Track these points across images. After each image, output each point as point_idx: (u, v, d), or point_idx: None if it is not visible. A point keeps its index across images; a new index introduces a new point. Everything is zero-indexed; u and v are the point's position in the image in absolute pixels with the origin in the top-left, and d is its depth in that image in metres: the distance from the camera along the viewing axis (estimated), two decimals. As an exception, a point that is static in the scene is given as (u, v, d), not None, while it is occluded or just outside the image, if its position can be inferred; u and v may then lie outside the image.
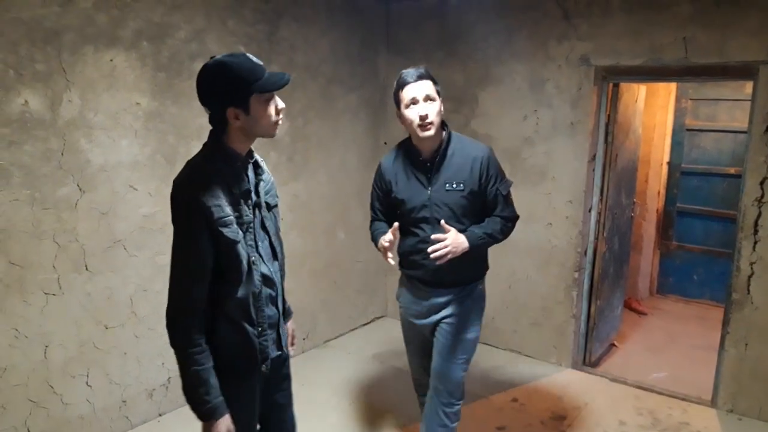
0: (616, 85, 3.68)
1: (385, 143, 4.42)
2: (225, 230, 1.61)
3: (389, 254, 2.22)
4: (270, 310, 1.78)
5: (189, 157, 3.09)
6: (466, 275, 2.42)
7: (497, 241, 2.35)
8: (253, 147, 1.76)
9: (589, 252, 3.83)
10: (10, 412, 2.59)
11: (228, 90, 1.60)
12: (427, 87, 2.19)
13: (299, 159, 3.82)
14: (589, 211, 3.77)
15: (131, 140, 2.91)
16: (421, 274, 2.40)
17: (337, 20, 3.91)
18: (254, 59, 1.65)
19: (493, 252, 4.05)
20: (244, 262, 1.68)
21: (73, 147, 2.67)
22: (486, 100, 3.99)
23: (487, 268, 2.55)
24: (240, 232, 1.67)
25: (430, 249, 2.17)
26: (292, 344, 2.10)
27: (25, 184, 2.53)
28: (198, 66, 3.09)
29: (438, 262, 2.18)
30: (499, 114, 3.94)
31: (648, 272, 5.50)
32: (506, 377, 3.77)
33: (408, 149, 2.35)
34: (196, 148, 3.13)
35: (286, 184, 3.74)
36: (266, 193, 1.80)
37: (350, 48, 4.08)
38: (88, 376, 2.86)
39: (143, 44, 2.88)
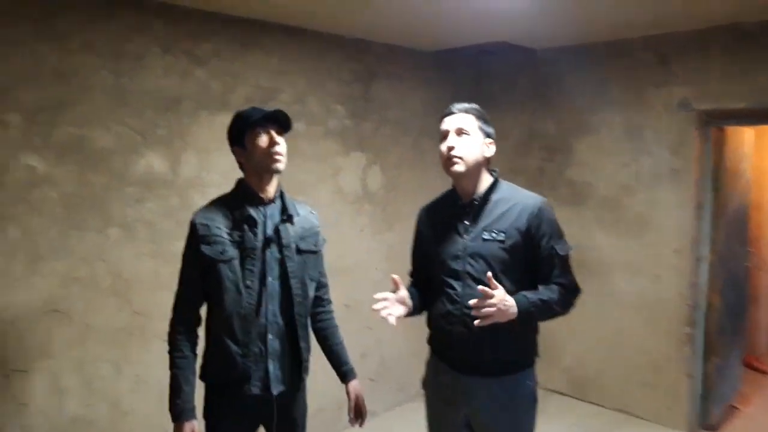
0: (721, 129, 3.51)
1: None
2: (205, 247, 1.82)
3: (384, 304, 1.83)
4: (255, 346, 1.85)
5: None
6: (508, 358, 1.92)
7: (553, 313, 1.88)
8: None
9: (702, 305, 3.59)
10: (128, 456, 2.73)
11: (232, 132, 1.90)
12: (462, 120, 1.92)
13: (392, 210, 3.89)
14: (699, 261, 3.55)
15: None
16: (449, 352, 1.97)
17: (427, 77, 4.04)
18: (259, 107, 1.90)
19: (597, 305, 3.93)
20: (227, 281, 1.82)
21: (189, 203, 2.87)
22: (581, 149, 3.93)
23: (536, 354, 2.02)
24: (231, 252, 1.83)
25: (471, 302, 1.77)
26: (358, 416, 2.08)
27: (147, 238, 2.74)
28: (299, 126, 3.32)
29: (477, 323, 1.75)
30: (596, 162, 3.86)
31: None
32: (614, 439, 3.53)
33: (450, 193, 2.06)
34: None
35: (381, 233, 3.81)
36: (301, 238, 1.94)
37: (440, 103, 4.13)
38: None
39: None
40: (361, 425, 2.11)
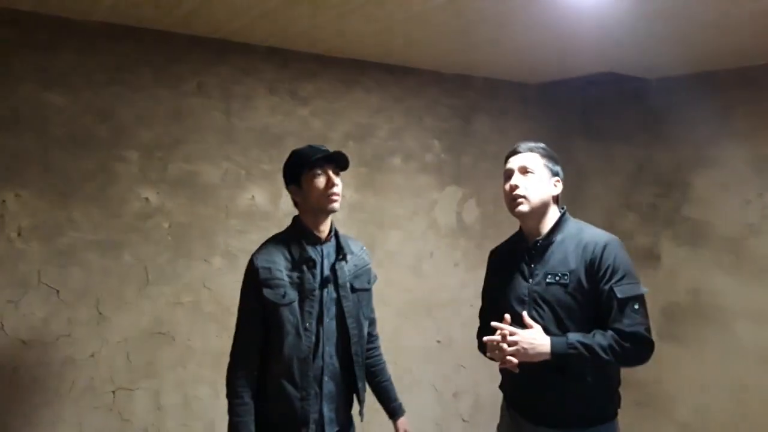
0: None
1: (583, 231, 4.21)
2: (267, 291, 1.81)
3: (502, 345, 1.72)
4: (312, 388, 1.82)
5: (385, 244, 3.28)
6: (580, 410, 1.78)
7: (599, 361, 1.68)
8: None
9: None
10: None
11: (288, 171, 1.94)
12: (527, 158, 1.86)
13: (488, 245, 3.76)
14: (843, 311, 3.13)
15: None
16: (517, 399, 1.91)
17: (530, 111, 3.95)
18: (314, 145, 1.93)
19: (716, 355, 3.57)
20: (288, 325, 1.79)
21: (287, 235, 3.00)
22: (700, 184, 3.63)
23: (617, 405, 1.87)
24: (292, 295, 1.80)
25: (485, 339, 1.74)
26: None
27: (247, 268, 2.89)
28: (396, 161, 3.37)
29: (502, 366, 1.71)
30: (717, 199, 3.54)
31: None
32: None
33: (518, 234, 1.98)
34: (392, 235, 3.37)
35: (475, 269, 3.72)
36: (355, 277, 1.93)
37: (545, 136, 4.02)
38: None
39: (350, 144, 3.19)
40: None
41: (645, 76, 3.75)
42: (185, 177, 2.73)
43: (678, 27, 2.58)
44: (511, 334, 1.71)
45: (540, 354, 1.69)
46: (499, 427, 2.05)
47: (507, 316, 1.77)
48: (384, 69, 3.29)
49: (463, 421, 3.70)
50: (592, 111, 4.22)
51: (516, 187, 1.83)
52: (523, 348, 1.69)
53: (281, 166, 2.93)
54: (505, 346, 1.72)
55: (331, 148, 3.07)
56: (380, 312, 3.32)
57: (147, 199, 2.64)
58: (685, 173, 3.70)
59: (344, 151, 3.12)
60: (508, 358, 1.70)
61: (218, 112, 2.80)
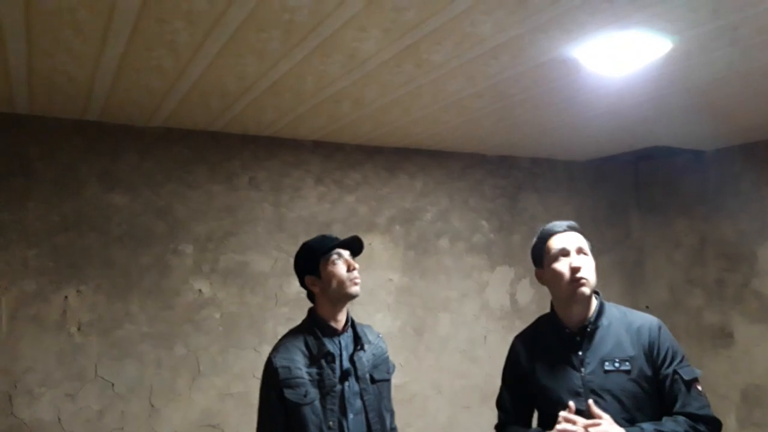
0: None
1: (647, 307, 4.01)
2: (288, 391, 1.72)
3: None
4: None
5: (436, 328, 3.20)
6: None
7: None
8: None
9: None
10: None
11: (303, 262, 1.89)
12: (579, 239, 1.77)
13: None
14: None
15: (385, 313, 3.16)
16: None
17: (579, 187, 3.90)
18: (327, 235, 1.93)
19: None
20: (311, 425, 1.70)
21: (335, 322, 3.00)
22: (767, 256, 3.42)
23: None
24: (313, 393, 1.73)
25: (560, 427, 1.57)
26: None
27: (296, 356, 2.89)
28: (443, 243, 3.37)
29: None
30: (788, 271, 3.32)
31: None
32: None
33: (550, 321, 1.83)
34: (442, 318, 3.31)
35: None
36: (374, 367, 1.85)
37: (596, 212, 3.97)
38: None
39: (396, 228, 3.22)
40: None
41: (701, 148, 3.66)
42: (236, 267, 2.81)
43: (717, 100, 2.55)
44: (588, 426, 1.55)
45: None
46: None
47: (572, 404, 1.62)
48: (427, 154, 3.36)
49: None
50: (647, 185, 4.12)
51: (579, 268, 1.71)
52: None
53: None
54: None
55: (377, 234, 3.16)
56: (433, 401, 3.24)
57: (200, 290, 2.72)
58: (750, 245, 3.51)
59: (391, 235, 3.21)
60: None
61: (268, 204, 2.91)
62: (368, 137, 3.04)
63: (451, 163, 3.43)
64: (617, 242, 4.04)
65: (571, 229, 1.80)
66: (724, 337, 3.60)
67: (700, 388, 1.67)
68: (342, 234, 3.01)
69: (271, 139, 2.94)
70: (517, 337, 1.93)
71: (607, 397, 1.65)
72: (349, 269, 1.84)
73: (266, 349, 2.83)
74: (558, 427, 1.61)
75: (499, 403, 1.92)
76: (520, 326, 3.49)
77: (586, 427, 1.57)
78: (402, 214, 3.26)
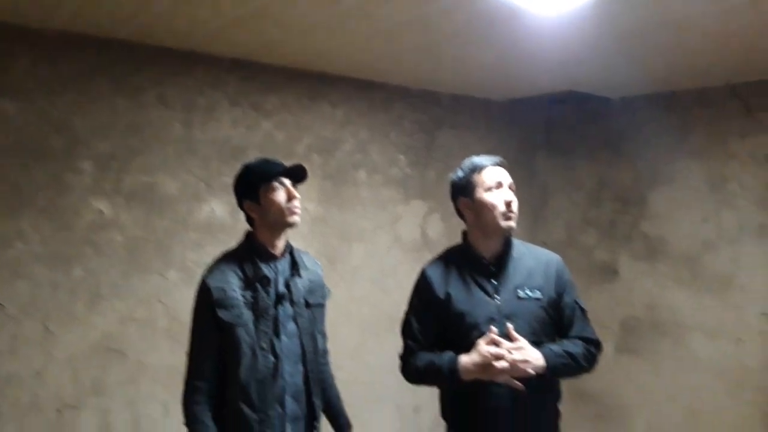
0: (817, 184, 3.22)
1: (544, 243, 4.26)
2: (222, 312, 1.74)
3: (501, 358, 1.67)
4: (273, 410, 1.77)
5: (350, 258, 3.23)
6: (542, 425, 1.82)
7: (579, 369, 1.78)
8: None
9: (794, 377, 3.24)
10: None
11: (242, 186, 1.86)
12: (509, 176, 1.88)
13: (455, 261, 3.81)
14: (792, 327, 3.22)
15: (298, 242, 3.08)
16: (480, 427, 1.81)
17: (494, 126, 3.98)
18: (270, 159, 1.89)
19: (671, 369, 3.64)
20: (244, 346, 1.73)
21: (247, 249, 2.95)
22: (658, 201, 3.71)
23: (560, 416, 1.92)
24: (247, 315, 1.75)
25: (491, 350, 1.66)
26: None
27: (205, 282, 2.83)
28: (361, 174, 3.35)
29: (502, 379, 1.66)
30: (674, 215, 3.63)
31: None
32: None
33: (464, 252, 1.91)
34: (356, 249, 3.34)
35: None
36: (309, 292, 1.89)
37: (508, 152, 4.05)
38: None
39: (314, 157, 3.16)
40: None
41: (607, 96, 3.82)
42: (142, 189, 2.66)
43: (639, 48, 2.64)
44: (512, 349, 1.68)
45: (537, 367, 1.70)
46: None
47: (494, 329, 1.72)
48: (351, 84, 3.28)
49: (424, 435, 3.69)
50: (556, 128, 4.28)
51: (512, 202, 1.83)
52: (526, 360, 1.68)
53: (242, 179, 2.93)
54: (510, 359, 1.67)
55: (295, 162, 3.07)
56: (343, 327, 3.31)
57: (101, 211, 2.55)
58: (643, 190, 3.78)
59: (309, 164, 3.14)
60: (523, 370, 1.68)
61: (178, 124, 2.74)
62: (290, 60, 2.90)
63: (374, 95, 3.38)
64: (524, 182, 4.19)
65: (502, 164, 1.91)
66: (611, 273, 3.92)
67: (588, 316, 1.91)
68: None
69: (185, 53, 2.73)
70: (429, 266, 1.97)
71: (520, 322, 1.76)
72: (290, 198, 1.81)
73: (173, 275, 2.75)
74: (482, 349, 1.69)
75: (406, 332, 1.97)
76: (429, 258, 3.63)
77: (509, 350, 1.69)
78: (321, 143, 3.19)
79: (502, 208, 1.80)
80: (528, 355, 1.69)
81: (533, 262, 1.87)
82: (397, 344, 3.45)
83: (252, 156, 2.93)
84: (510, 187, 1.86)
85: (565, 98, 3.82)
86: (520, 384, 1.68)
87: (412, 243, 3.61)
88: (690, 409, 3.54)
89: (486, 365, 1.67)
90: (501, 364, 1.65)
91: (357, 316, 3.36)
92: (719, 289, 3.41)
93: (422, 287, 1.93)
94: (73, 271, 2.51)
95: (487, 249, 1.87)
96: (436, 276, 1.91)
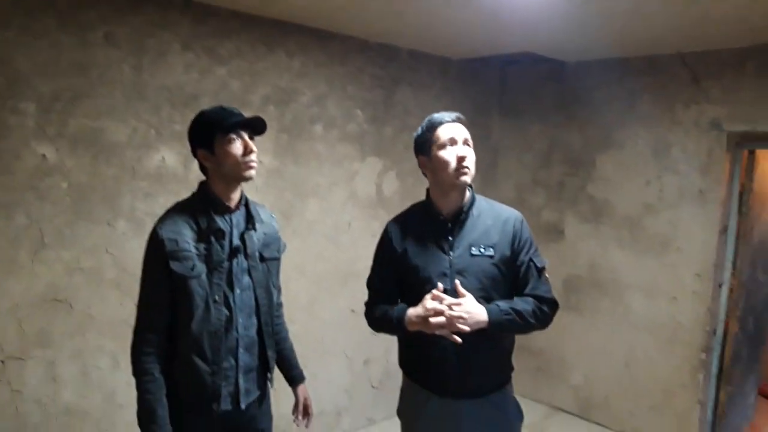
0: (752, 152, 3.39)
1: (495, 205, 4.35)
2: (174, 263, 1.69)
3: (442, 313, 1.72)
4: (226, 361, 1.78)
5: (304, 213, 3.19)
6: (494, 375, 1.89)
7: (527, 326, 1.81)
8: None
9: (719, 332, 3.47)
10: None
11: (197, 134, 1.77)
12: (465, 131, 1.87)
13: (408, 218, 3.84)
14: (720, 286, 3.44)
15: (252, 196, 3.02)
16: (434, 376, 1.88)
17: (450, 85, 3.98)
18: (227, 107, 1.80)
19: (609, 325, 3.83)
20: (197, 298, 1.72)
21: (200, 201, 2.87)
22: (605, 164, 3.84)
23: (512, 368, 1.98)
24: (200, 268, 1.72)
25: (431, 306, 1.72)
26: (307, 414, 2.09)
27: (156, 233, 2.74)
28: (318, 129, 3.30)
29: (438, 331, 1.70)
30: (619, 179, 3.76)
31: (789, 358, 4.88)
32: (620, 465, 3.44)
33: (425, 208, 1.94)
34: (311, 204, 3.31)
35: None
36: (264, 246, 1.87)
37: (463, 112, 4.05)
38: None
39: (270, 108, 3.07)
40: (307, 426, 2.12)
41: (562, 59, 3.87)
42: (88, 134, 2.52)
43: (596, 12, 2.67)
44: (453, 304, 1.71)
45: (478, 322, 1.72)
46: (402, 409, 2.04)
47: (440, 285, 1.76)
48: (309, 33, 3.18)
49: (372, 387, 3.78)
50: (510, 89, 4.32)
51: (465, 157, 1.81)
52: (466, 316, 1.70)
53: (195, 127, 2.82)
54: (447, 315, 1.71)
55: (250, 112, 2.98)
56: (296, 281, 3.31)
57: (44, 155, 2.42)
58: (592, 153, 3.89)
59: (264, 115, 3.05)
60: (457, 326, 1.70)
61: (127, 66, 2.60)
62: (246, 3, 2.78)
63: (332, 46, 3.29)
64: (477, 142, 4.21)
65: (459, 120, 1.88)
66: (557, 233, 4.06)
67: (547, 275, 1.90)
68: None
69: (134, -10, 2.57)
70: (391, 221, 2.02)
71: (470, 278, 1.81)
72: (246, 152, 1.75)
73: (122, 225, 2.66)
74: (426, 303, 1.75)
75: (369, 283, 2.03)
76: (384, 215, 3.66)
77: (450, 305, 1.73)
78: (277, 94, 3.11)
79: (454, 164, 1.81)
80: (468, 311, 1.72)
81: (491, 219, 1.87)
82: (349, 299, 3.53)
83: (205, 104, 2.83)
84: (466, 143, 1.85)
85: (520, 59, 3.84)
86: (456, 338, 1.72)
87: (367, 200, 3.61)
88: (624, 362, 3.76)
89: (426, 319, 1.73)
90: (437, 320, 1.71)
91: (311, 270, 3.36)
92: (658, 251, 3.59)
93: (384, 241, 1.98)
94: (15, 218, 2.38)
95: (447, 205, 1.89)
96: (396, 231, 1.96)
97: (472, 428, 1.85)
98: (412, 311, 1.78)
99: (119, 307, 2.66)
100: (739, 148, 3.38)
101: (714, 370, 3.49)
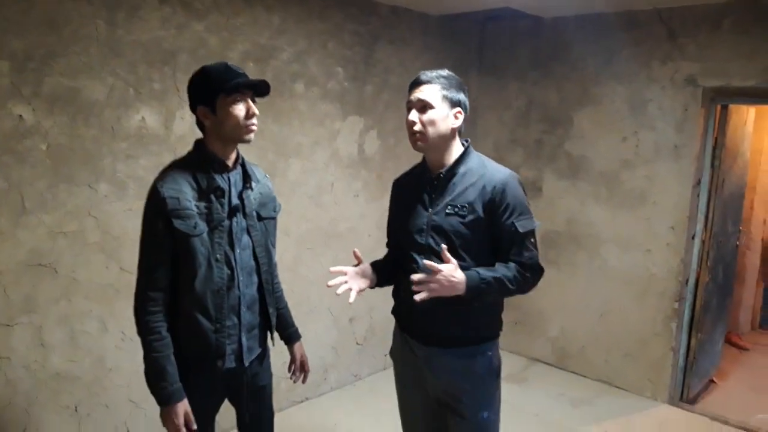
0: (725, 107, 3.48)
1: (474, 163, 4.38)
2: (177, 221, 1.68)
3: (340, 279, 1.84)
4: (229, 320, 1.80)
5: (286, 173, 3.17)
6: (468, 332, 1.90)
7: (507, 292, 1.81)
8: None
9: (691, 282, 3.62)
10: (111, 412, 2.74)
11: (198, 90, 1.73)
12: (426, 92, 1.81)
13: (387, 176, 3.83)
14: (692, 238, 3.56)
15: None
16: (410, 324, 1.98)
17: (430, 43, 3.94)
18: (232, 66, 1.75)
19: (586, 278, 3.95)
20: (200, 257, 1.72)
21: (182, 162, 2.81)
22: (582, 121, 3.88)
23: (499, 327, 2.00)
24: (201, 226, 1.72)
25: (413, 276, 1.72)
26: (303, 371, 2.14)
27: (138, 195, 2.68)
28: (299, 87, 3.24)
29: (417, 298, 1.71)
30: (596, 135, 3.82)
31: (750, 305, 5.11)
32: (597, 409, 3.60)
33: (422, 164, 2.00)
34: (293, 164, 3.28)
35: (375, 200, 3.77)
36: (261, 205, 1.88)
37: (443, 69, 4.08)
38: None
39: (249, 65, 3.00)
40: (303, 382, 2.17)
41: (540, 15, 3.86)
42: (64, 93, 2.43)
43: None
44: (437, 271, 1.70)
45: (456, 289, 1.73)
46: (392, 350, 2.13)
47: (444, 246, 1.76)
48: (286, -14, 3.10)
49: (357, 344, 3.84)
50: (489, 46, 4.30)
51: (413, 123, 1.83)
52: (444, 284, 1.71)
53: (174, 84, 2.75)
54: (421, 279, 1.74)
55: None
56: (280, 241, 3.28)
57: (21, 116, 2.33)
58: (569, 111, 3.93)
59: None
60: (422, 294, 1.71)
61: (101, 21, 2.49)
62: (223, -44, 2.69)
63: (312, 2, 3.21)
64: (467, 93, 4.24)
65: (427, 82, 1.83)
66: (535, 190, 4.12)
67: (534, 240, 1.88)
68: (188, 68, 2.73)
69: (104, -60, 2.45)
70: (395, 181, 2.13)
71: (441, 237, 1.85)
72: (248, 114, 1.72)
73: (103, 187, 2.60)
74: (416, 276, 1.74)
75: (387, 236, 2.17)
76: (366, 175, 3.67)
77: (432, 269, 1.71)
78: (256, 51, 3.03)
79: (408, 130, 1.86)
80: (448, 278, 1.71)
81: (475, 178, 1.84)
82: (332, 259, 3.54)
83: (183, 62, 2.76)
84: (420, 106, 1.82)
85: (500, 15, 3.82)
86: (416, 297, 1.72)
87: (349, 159, 3.59)
88: (600, 313, 3.89)
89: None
90: (431, 285, 1.72)
91: (294, 231, 3.35)
92: (633, 205, 3.69)
93: (390, 197, 2.12)
94: (-8, 182, 2.31)
95: (430, 163, 1.94)
96: (396, 188, 2.10)
97: (438, 375, 1.94)
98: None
99: (105, 271, 2.63)
100: (713, 104, 3.46)
101: (686, 318, 3.64)
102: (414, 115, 1.83)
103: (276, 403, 2.17)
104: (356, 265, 1.90)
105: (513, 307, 4.25)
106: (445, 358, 1.91)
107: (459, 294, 1.74)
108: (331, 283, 1.83)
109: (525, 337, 4.30)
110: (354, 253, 1.90)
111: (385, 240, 2.17)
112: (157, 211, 1.69)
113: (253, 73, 3.01)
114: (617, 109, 3.70)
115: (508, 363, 4.20)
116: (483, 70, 4.34)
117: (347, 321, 3.75)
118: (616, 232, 3.78)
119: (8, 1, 2.24)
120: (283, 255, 3.32)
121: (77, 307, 2.59)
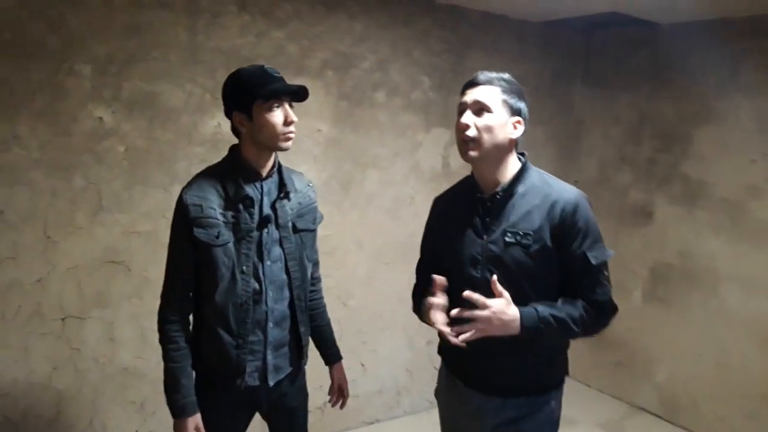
0: None
1: (576, 182, 4.02)
2: (198, 230, 1.61)
3: (440, 321, 1.55)
4: (254, 335, 1.68)
5: (363, 184, 3.07)
6: (529, 379, 1.64)
7: (570, 334, 1.55)
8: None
9: (834, 334, 3.01)
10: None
11: (234, 95, 1.65)
12: (484, 93, 1.57)
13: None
14: (837, 282, 2.97)
15: (310, 165, 2.99)
16: (461, 367, 1.71)
17: (527, 51, 3.69)
18: (269, 69, 1.65)
19: (701, 320, 3.44)
20: (223, 267, 1.62)
21: (255, 168, 2.82)
22: (701, 140, 3.42)
23: (565, 373, 1.74)
24: (226, 236, 1.63)
25: (452, 312, 1.49)
26: (342, 396, 1.98)
27: (211, 200, 2.72)
28: (380, 96, 3.15)
29: (460, 339, 1.46)
30: (719, 156, 3.34)
31: None
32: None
33: (469, 183, 1.71)
34: (371, 175, 3.19)
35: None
36: (298, 216, 1.77)
37: (541, 80, 3.81)
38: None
39: (329, 73, 2.96)
40: (342, 407, 2.02)
41: (654, 20, 3.48)
42: (143, 97, 2.53)
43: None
44: (483, 306, 1.46)
45: (509, 329, 1.49)
46: (438, 392, 1.88)
47: (494, 278, 1.53)
48: (370, -7, 3.04)
49: (435, 369, 3.61)
50: (596, 55, 3.96)
51: (467, 127, 1.56)
52: (494, 321, 1.46)
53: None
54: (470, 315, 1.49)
55: (308, 78, 2.89)
56: (354, 255, 3.21)
57: (101, 118, 2.44)
58: (687, 127, 3.49)
59: (323, 81, 2.96)
60: (465, 334, 1.46)
61: (181, 29, 2.57)
62: (303, -37, 2.68)
63: (396, 8, 3.12)
64: (557, 114, 3.94)
65: (486, 82, 1.59)
66: (644, 216, 3.69)
67: (606, 273, 1.61)
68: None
69: (188, -50, 2.53)
70: (437, 198, 1.86)
71: (501, 269, 1.57)
72: (287, 122, 1.64)
73: (177, 190, 2.60)
74: (455, 312, 1.52)
75: (418, 270, 1.88)
76: (447, 186, 3.45)
77: (483, 305, 1.47)
78: (337, 59, 2.99)
79: (458, 136, 1.60)
80: (499, 316, 1.47)
81: (539, 200, 1.58)
82: (407, 272, 3.37)
83: (262, 69, 2.77)
84: (477, 107, 1.57)
85: (607, 21, 3.49)
86: (455, 341, 1.48)
87: (432, 173, 3.43)
88: (716, 363, 3.36)
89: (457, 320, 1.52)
90: (479, 320, 1.47)
91: (369, 244, 3.25)
92: (761, 239, 3.16)
93: (429, 221, 1.86)
94: (73, 180, 2.43)
95: (482, 180, 1.65)
96: (439, 208, 1.82)
97: (489, 423, 1.67)
98: (432, 313, 1.58)
99: (172, 272, 2.68)
100: None
101: (825, 376, 3.04)
102: (468, 117, 1.56)
103: (341, 421, 2.06)
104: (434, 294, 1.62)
105: (614, 346, 3.81)
106: (499, 408, 1.65)
107: (513, 333, 1.49)
108: (442, 329, 1.54)
109: (627, 381, 3.83)
110: (438, 279, 1.60)
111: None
112: (180, 218, 1.66)
113: (332, 81, 2.98)
114: (744, 127, 3.20)
115: (607, 408, 3.77)
116: (588, 80, 4.00)
117: (424, 343, 3.55)
118: (738, 269, 3.25)
119: (92, 7, 2.37)
120: (356, 268, 3.23)
121: (148, 305, 2.64)
